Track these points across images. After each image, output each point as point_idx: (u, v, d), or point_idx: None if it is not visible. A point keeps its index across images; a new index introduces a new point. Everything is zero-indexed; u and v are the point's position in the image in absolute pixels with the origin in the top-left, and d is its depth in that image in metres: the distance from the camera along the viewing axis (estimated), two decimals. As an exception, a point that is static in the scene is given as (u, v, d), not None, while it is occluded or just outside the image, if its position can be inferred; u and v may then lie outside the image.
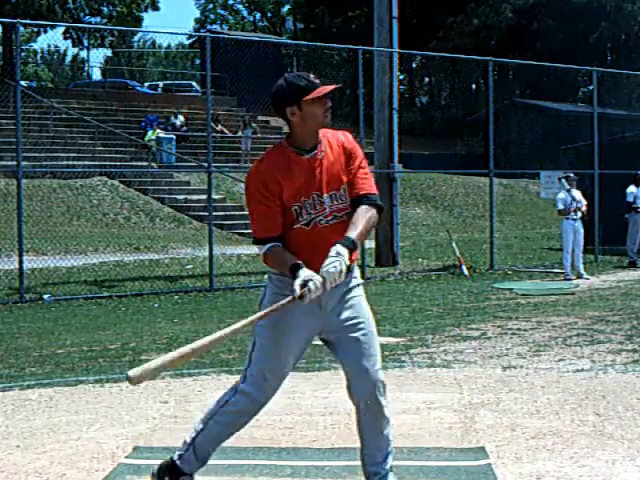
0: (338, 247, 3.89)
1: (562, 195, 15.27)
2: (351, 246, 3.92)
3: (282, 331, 4.07)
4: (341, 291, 4.09)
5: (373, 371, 4.11)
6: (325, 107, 4.04)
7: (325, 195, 4.06)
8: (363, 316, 4.17)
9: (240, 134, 31.64)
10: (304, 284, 3.82)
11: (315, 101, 4.00)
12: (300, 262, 3.92)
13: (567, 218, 15.20)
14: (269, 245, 4.03)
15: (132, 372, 3.82)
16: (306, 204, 4.06)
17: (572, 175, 15.53)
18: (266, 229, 4.06)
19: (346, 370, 4.15)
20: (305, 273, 3.85)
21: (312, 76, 4.04)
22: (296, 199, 4.05)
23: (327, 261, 3.86)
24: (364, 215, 4.04)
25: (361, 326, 4.14)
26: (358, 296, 4.20)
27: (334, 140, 4.14)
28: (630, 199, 16.94)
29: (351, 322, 4.13)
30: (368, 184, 4.15)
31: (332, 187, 4.08)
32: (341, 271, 3.85)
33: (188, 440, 4.21)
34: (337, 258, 3.86)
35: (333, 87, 4.06)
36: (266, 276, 4.29)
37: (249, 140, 31.13)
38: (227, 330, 3.95)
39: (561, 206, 15.20)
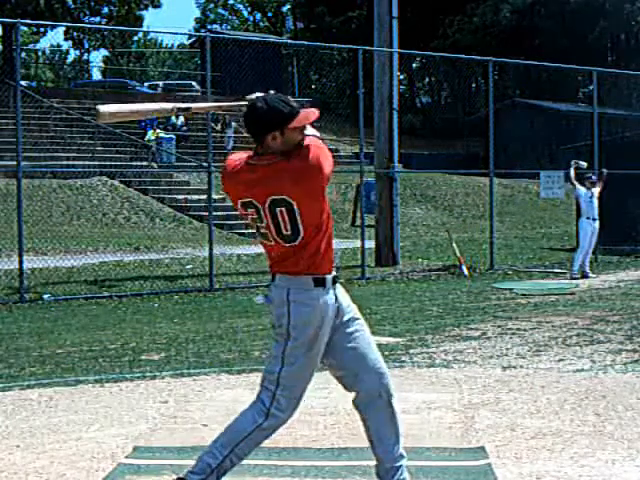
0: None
1: (583, 191, 15.23)
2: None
3: (317, 351, 4.00)
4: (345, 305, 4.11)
5: (380, 364, 4.13)
6: (303, 130, 3.95)
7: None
8: (361, 321, 4.18)
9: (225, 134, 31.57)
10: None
11: (298, 127, 3.91)
12: None
13: (587, 217, 15.15)
14: None
15: (103, 108, 3.92)
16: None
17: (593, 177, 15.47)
18: None
19: (349, 368, 4.06)
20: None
21: (291, 99, 3.93)
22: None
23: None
24: None
25: (361, 327, 4.14)
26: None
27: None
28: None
29: (351, 324, 4.11)
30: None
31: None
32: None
33: (212, 464, 4.00)
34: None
35: (317, 115, 3.98)
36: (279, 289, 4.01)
37: (231, 139, 31.05)
38: (214, 104, 4.30)
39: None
